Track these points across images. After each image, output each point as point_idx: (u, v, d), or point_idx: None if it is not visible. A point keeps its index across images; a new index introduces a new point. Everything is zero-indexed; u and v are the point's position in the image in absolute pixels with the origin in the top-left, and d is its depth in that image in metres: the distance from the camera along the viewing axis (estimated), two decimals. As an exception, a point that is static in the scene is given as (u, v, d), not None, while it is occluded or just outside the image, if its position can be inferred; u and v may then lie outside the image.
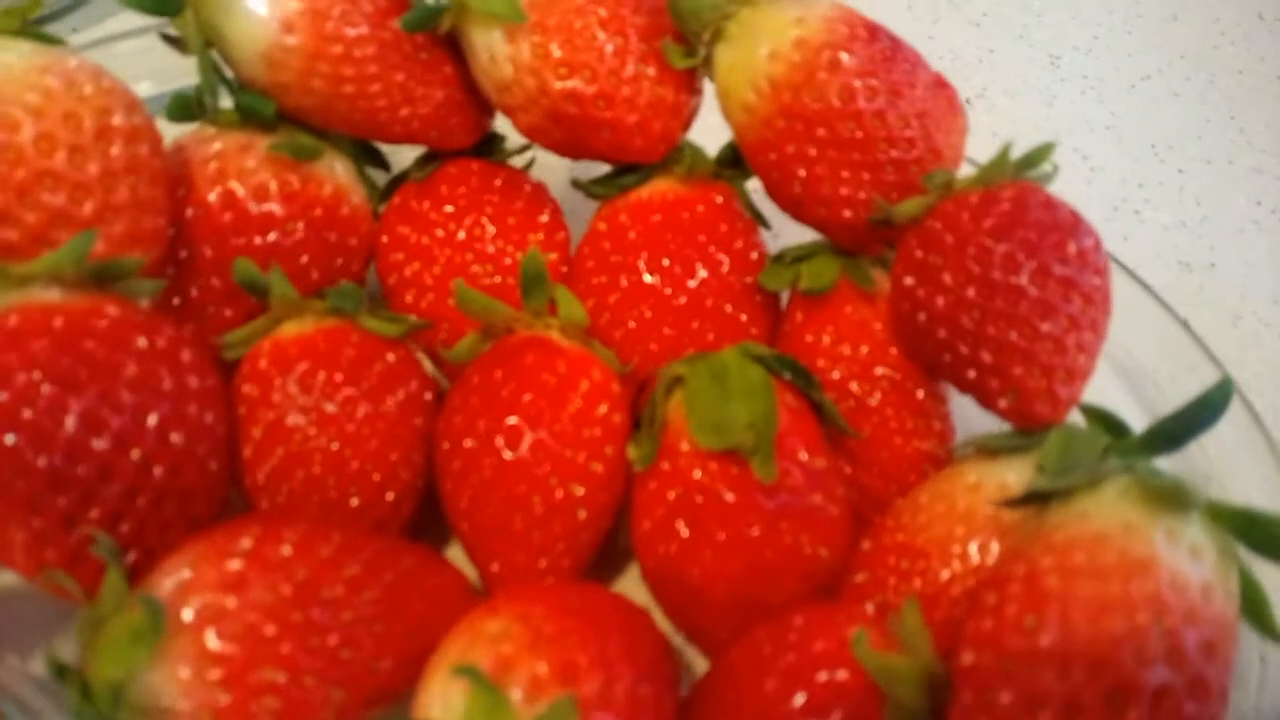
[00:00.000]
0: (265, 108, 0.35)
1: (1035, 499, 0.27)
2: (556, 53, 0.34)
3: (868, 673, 0.26)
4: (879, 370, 0.35)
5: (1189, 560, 0.24)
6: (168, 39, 0.36)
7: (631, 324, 0.36)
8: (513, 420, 0.32)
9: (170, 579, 0.26)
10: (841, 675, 0.26)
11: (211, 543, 0.28)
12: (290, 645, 0.26)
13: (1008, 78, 0.57)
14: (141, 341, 0.30)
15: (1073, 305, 0.30)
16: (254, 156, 0.35)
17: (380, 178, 0.40)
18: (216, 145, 0.35)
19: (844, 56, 0.33)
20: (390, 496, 0.33)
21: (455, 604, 0.30)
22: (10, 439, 0.27)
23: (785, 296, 0.39)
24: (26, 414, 0.27)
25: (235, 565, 0.27)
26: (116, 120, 0.31)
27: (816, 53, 0.33)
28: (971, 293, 0.30)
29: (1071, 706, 0.22)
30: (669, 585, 0.32)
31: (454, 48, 0.37)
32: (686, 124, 0.38)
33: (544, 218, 0.38)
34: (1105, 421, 0.31)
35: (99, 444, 0.28)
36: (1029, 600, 0.24)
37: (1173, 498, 0.25)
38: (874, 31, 0.34)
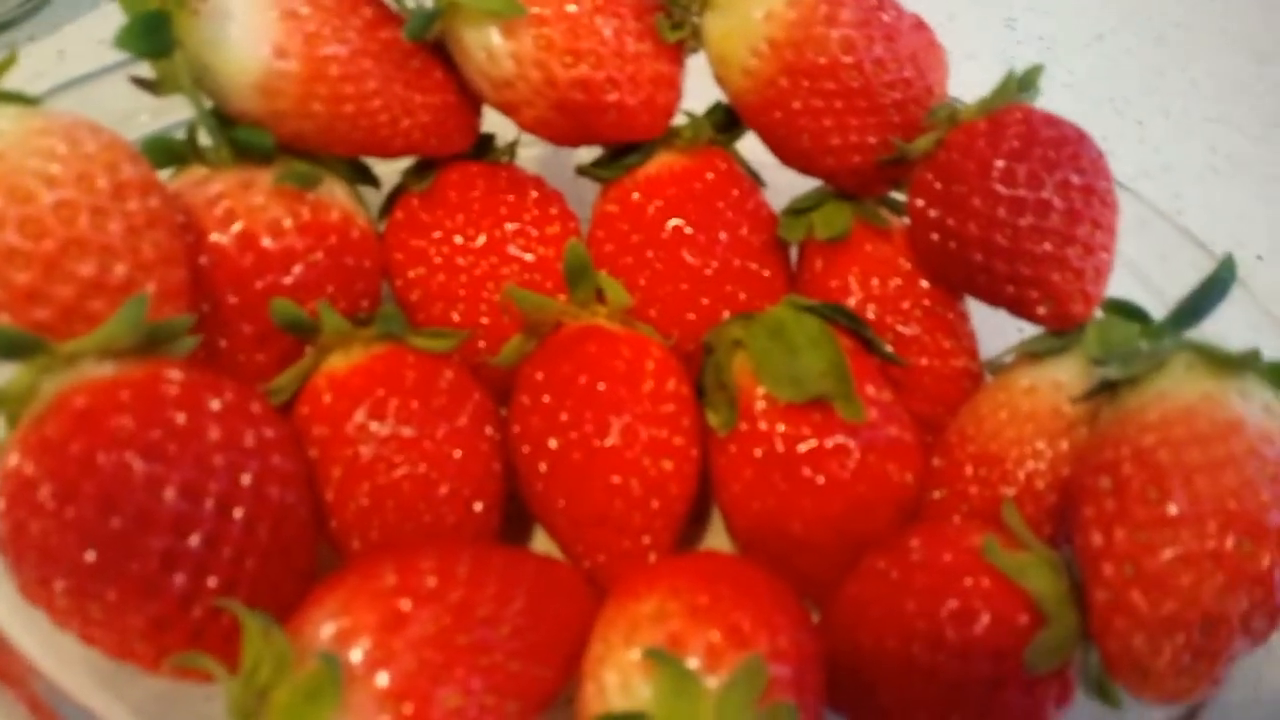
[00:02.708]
0: (264, 140, 0.34)
1: (1106, 388, 0.30)
2: (560, 42, 0.34)
3: (1003, 573, 0.28)
4: (909, 301, 0.37)
5: (1264, 415, 0.27)
6: (140, 82, 0.34)
7: (669, 300, 0.37)
8: (596, 410, 0.32)
9: (326, 628, 0.26)
10: (983, 581, 0.28)
11: (353, 587, 0.27)
12: (463, 669, 0.26)
13: (966, 42, 0.60)
14: (215, 402, 0.28)
15: (1093, 209, 0.33)
16: (260, 192, 0.34)
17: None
18: (217, 186, 0.34)
19: (839, 9, 0.34)
20: (479, 508, 0.33)
21: (581, 601, 0.30)
22: (117, 523, 0.25)
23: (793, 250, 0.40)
24: (125, 495, 0.26)
25: (390, 603, 0.26)
26: (127, 174, 0.29)
27: (812, 8, 0.34)
28: (1002, 212, 0.33)
29: (1214, 557, 0.25)
30: (769, 539, 0.33)
31: (440, 53, 0.36)
32: (680, 96, 0.38)
33: (554, 210, 0.38)
34: (1127, 311, 0.34)
35: (204, 512, 0.27)
36: (1147, 475, 0.26)
37: (1234, 364, 0.28)
38: (855, -20, 0.36)
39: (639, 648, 0.27)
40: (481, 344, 0.37)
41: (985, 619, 0.27)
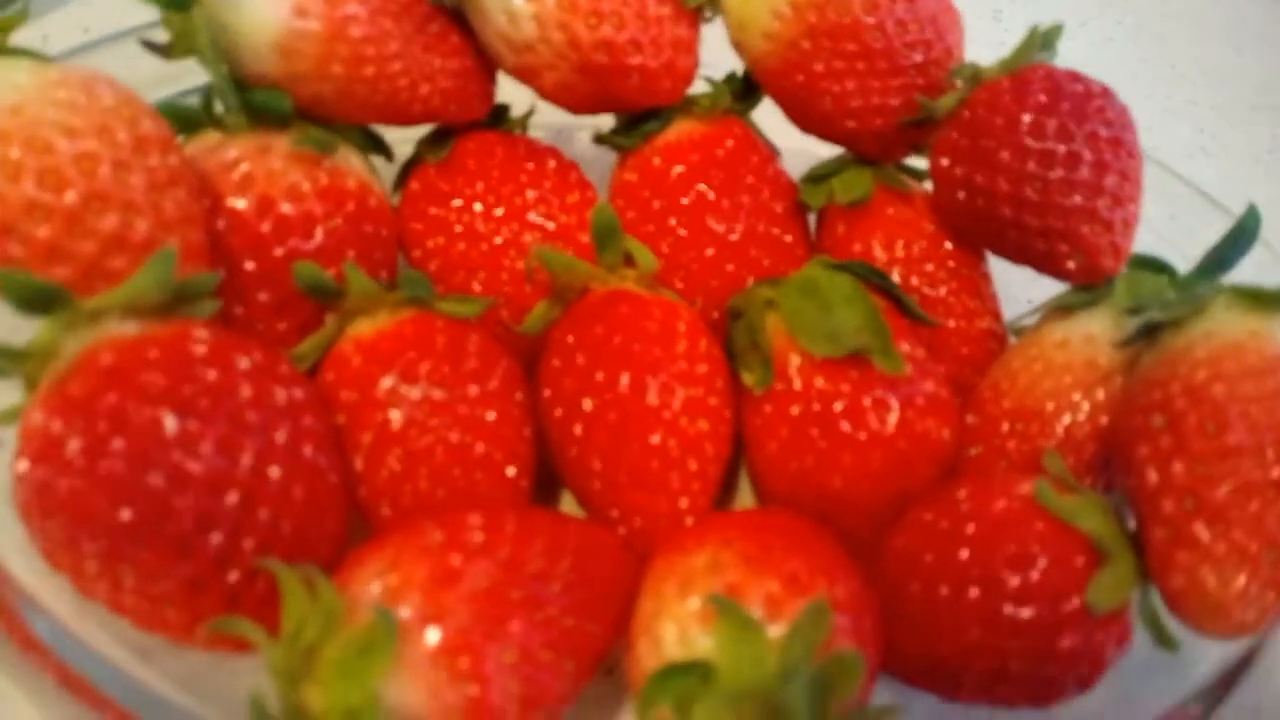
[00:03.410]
0: (282, 103, 0.33)
1: (1146, 333, 0.30)
2: (583, 3, 0.34)
3: (1056, 517, 0.28)
4: (934, 263, 0.37)
5: (1308, 348, 0.27)
6: (150, 45, 0.33)
7: (694, 266, 0.37)
8: (633, 369, 0.31)
9: (374, 586, 0.25)
10: (1037, 525, 0.28)
11: (399, 544, 0.26)
12: (518, 623, 0.25)
13: (956, 34, 0.61)
14: (244, 361, 0.27)
15: (1121, 161, 0.33)
16: (278, 156, 0.33)
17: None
18: (233, 151, 0.33)
19: (861, -30, 0.34)
20: (513, 473, 0.32)
21: (624, 563, 0.30)
22: (151, 479, 0.24)
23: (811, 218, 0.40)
24: (159, 451, 0.25)
25: (440, 558, 0.25)
26: (146, 128, 0.29)
27: (834, -30, 0.34)
28: (1032, 165, 0.33)
29: (1277, 485, 0.25)
30: (807, 498, 0.33)
31: (457, 17, 0.36)
32: (698, 62, 0.38)
33: (573, 177, 0.38)
34: (1153, 266, 0.34)
35: (240, 471, 0.26)
36: (1203, 410, 0.26)
37: (1274, 300, 0.28)
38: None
39: (696, 598, 0.26)
40: (504, 313, 0.36)
41: (1043, 561, 0.27)
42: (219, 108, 0.33)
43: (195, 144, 0.33)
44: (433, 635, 0.24)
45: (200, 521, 0.25)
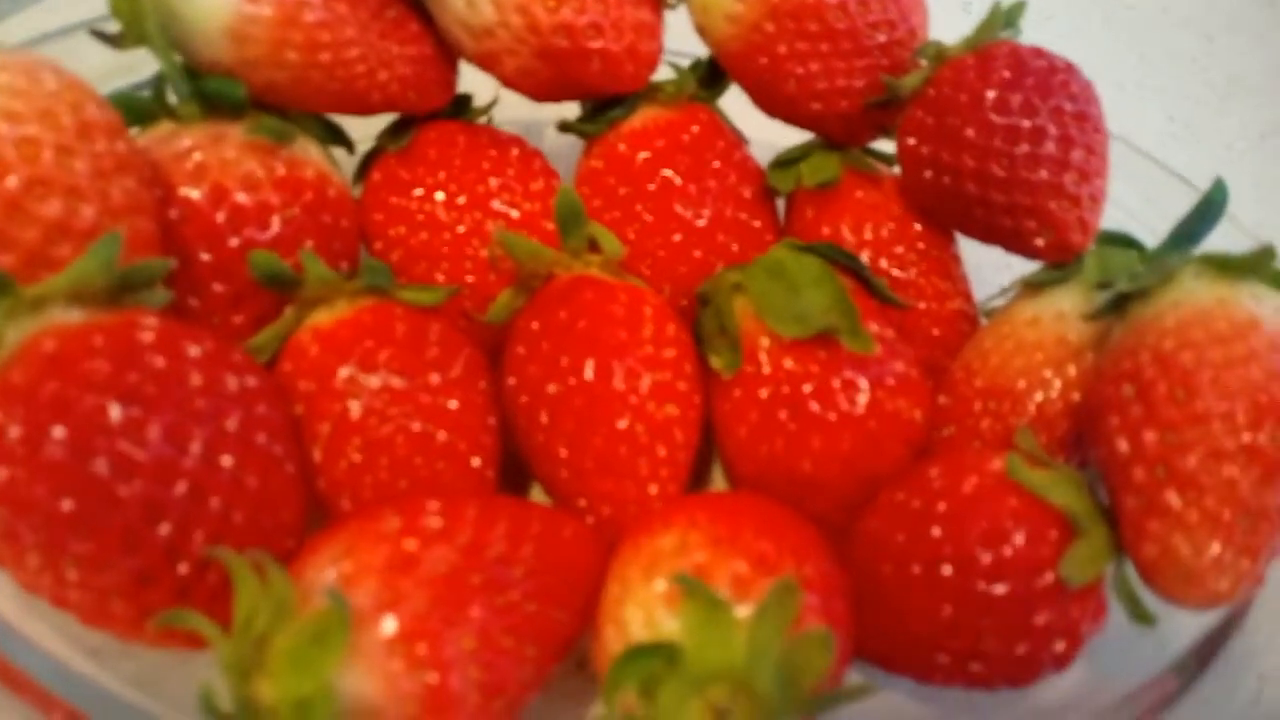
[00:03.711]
0: (236, 91, 0.32)
1: (1115, 306, 0.30)
2: (542, -15, 0.33)
3: (1029, 491, 0.27)
4: (903, 245, 0.37)
5: (1278, 315, 0.27)
6: (100, 35, 0.32)
7: (661, 253, 0.36)
8: (599, 354, 0.31)
9: (328, 573, 0.24)
10: (1010, 501, 0.27)
11: (355, 531, 0.25)
12: (477, 609, 0.24)
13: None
14: (194, 349, 0.27)
15: (1087, 135, 0.32)
16: (232, 146, 0.32)
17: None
18: (186, 140, 0.32)
19: (822, -50, 0.34)
20: (477, 463, 0.31)
21: (591, 550, 0.29)
22: (95, 467, 0.23)
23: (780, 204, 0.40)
24: (104, 439, 0.24)
25: (396, 544, 0.24)
26: (92, 114, 0.28)
27: (795, -50, 0.34)
28: (998, 142, 0.32)
29: (1249, 451, 0.24)
30: (778, 482, 0.32)
31: (414, 4, 0.35)
32: (661, 47, 0.38)
33: (537, 165, 0.37)
34: (1122, 242, 0.34)
35: (189, 459, 0.25)
36: (1172, 377, 0.26)
37: (1243, 268, 0.28)
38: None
39: (663, 580, 0.25)
40: (468, 303, 0.35)
41: (1018, 537, 0.26)
42: (172, 98, 0.33)
43: (148, 135, 0.33)
44: (389, 622, 0.23)
45: (147, 512, 0.24)
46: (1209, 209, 0.32)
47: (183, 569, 0.25)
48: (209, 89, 0.32)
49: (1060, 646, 0.27)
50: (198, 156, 0.32)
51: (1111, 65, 0.62)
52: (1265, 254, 0.27)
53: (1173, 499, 0.25)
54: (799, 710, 0.24)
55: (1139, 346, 0.27)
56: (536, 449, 0.32)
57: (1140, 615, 0.27)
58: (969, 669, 0.28)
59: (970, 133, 0.33)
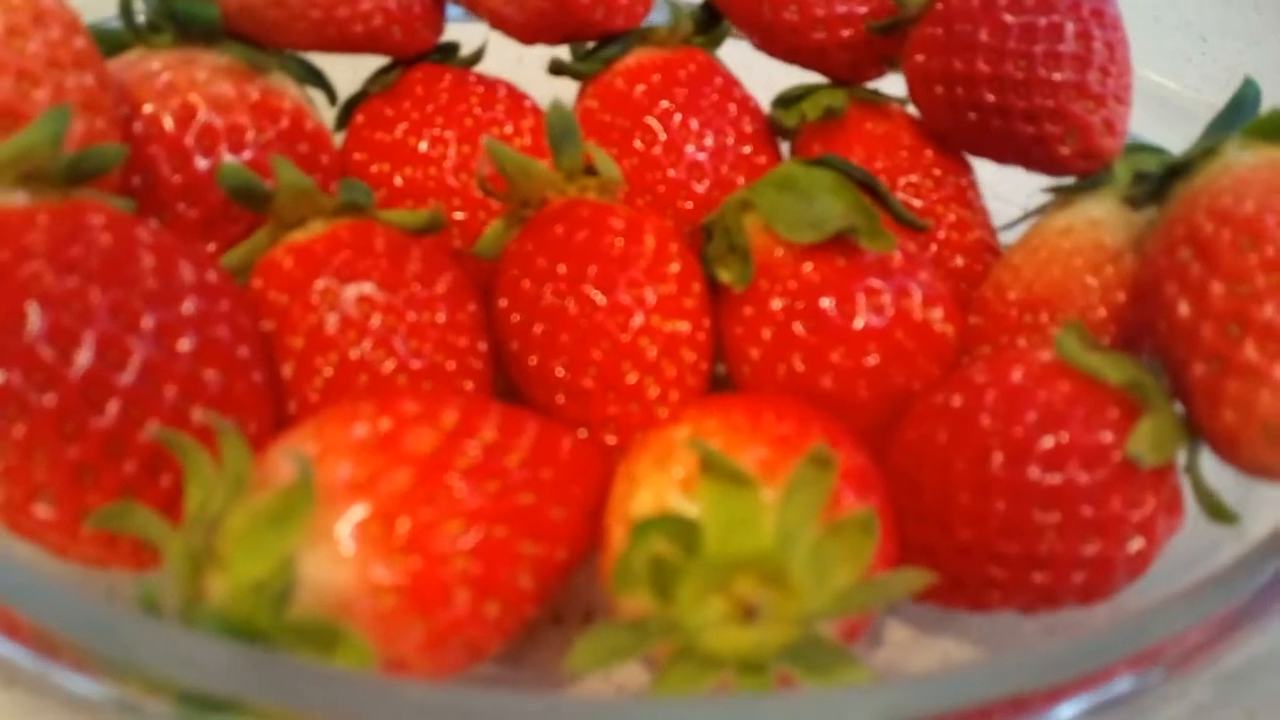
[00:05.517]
0: (208, 11, 0.30)
1: (1159, 190, 0.27)
2: (531, -90, 0.32)
3: (1084, 373, 0.24)
4: (918, 173, 0.35)
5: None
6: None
7: (660, 187, 0.34)
8: (599, 263, 0.28)
9: (291, 454, 0.21)
10: (1064, 385, 0.24)
11: (324, 418, 0.22)
12: (464, 491, 0.21)
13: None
14: (146, 235, 0.24)
15: (1106, 31, 0.31)
16: (204, 68, 0.30)
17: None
18: (155, 63, 0.30)
19: None
20: (470, 387, 0.28)
21: (593, 455, 0.26)
22: (28, 338, 0.21)
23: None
24: (41, 313, 0.21)
25: (372, 425, 0.21)
26: (47, 4, 0.26)
27: None
28: (1013, 42, 0.31)
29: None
30: (799, 407, 0.29)
31: (401, -64, 0.34)
32: (655, -17, 0.36)
33: (528, 103, 0.36)
34: (1148, 149, 0.32)
35: (140, 335, 0.22)
36: (1236, 226, 0.23)
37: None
38: None
39: (679, 467, 0.22)
40: (457, 242, 0.33)
41: (1078, 416, 0.23)
42: (141, 20, 0.31)
43: (116, 61, 0.31)
44: (362, 502, 0.20)
45: (88, 393, 0.21)
46: (1242, 105, 0.30)
47: (129, 466, 0.22)
48: (179, 6, 0.30)
49: (1136, 545, 0.23)
50: (166, 76, 0.30)
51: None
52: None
53: (1251, 353, 0.22)
54: (838, 606, 0.21)
55: (1192, 210, 0.25)
56: (530, 375, 0.29)
57: (1219, 512, 0.24)
58: (1030, 581, 0.24)
59: (983, 35, 0.31)
